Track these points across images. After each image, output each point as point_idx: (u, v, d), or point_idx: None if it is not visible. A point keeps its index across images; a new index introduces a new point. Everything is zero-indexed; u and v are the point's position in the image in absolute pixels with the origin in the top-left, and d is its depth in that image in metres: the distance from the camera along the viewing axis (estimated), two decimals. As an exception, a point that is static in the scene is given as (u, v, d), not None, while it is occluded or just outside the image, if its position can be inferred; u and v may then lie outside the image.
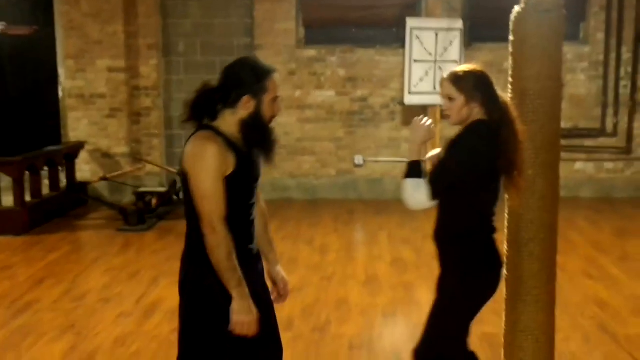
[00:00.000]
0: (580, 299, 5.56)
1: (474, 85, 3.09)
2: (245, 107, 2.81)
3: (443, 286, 3.17)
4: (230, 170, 2.79)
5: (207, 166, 2.72)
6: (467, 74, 3.13)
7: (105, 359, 4.55)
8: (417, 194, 3.02)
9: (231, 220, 2.80)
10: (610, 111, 9.70)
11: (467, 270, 3.10)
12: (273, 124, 2.93)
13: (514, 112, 3.13)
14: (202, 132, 2.80)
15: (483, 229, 3.12)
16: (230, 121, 2.84)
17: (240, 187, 2.89)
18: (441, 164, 3.07)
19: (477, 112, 3.10)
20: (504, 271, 3.33)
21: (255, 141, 2.87)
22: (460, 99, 3.10)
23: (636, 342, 4.71)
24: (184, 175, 2.81)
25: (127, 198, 9.35)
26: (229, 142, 2.79)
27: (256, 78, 2.82)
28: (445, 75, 3.19)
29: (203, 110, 2.86)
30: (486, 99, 3.09)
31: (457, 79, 3.12)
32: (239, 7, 9.82)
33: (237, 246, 2.81)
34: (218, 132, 2.80)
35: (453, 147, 3.08)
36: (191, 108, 2.86)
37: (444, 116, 9.58)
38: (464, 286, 3.10)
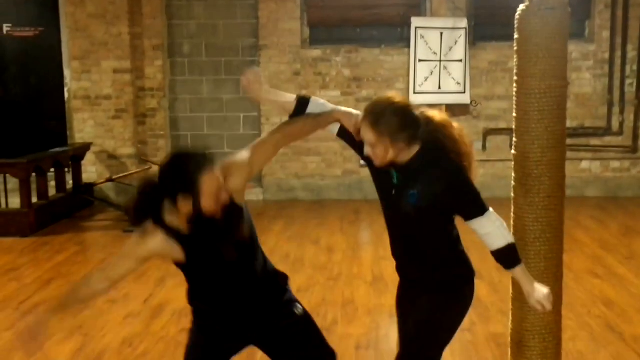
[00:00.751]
0: (587, 298, 5.55)
1: (398, 127, 2.88)
2: (183, 207, 2.75)
3: (429, 306, 3.07)
4: (180, 260, 2.91)
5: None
6: (387, 112, 2.89)
7: (112, 359, 4.56)
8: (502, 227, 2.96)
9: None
10: (616, 110, 9.68)
11: (453, 288, 3.09)
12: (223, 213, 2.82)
13: (437, 121, 3.03)
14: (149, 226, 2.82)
15: (458, 246, 3.11)
16: (174, 213, 2.80)
17: (202, 274, 3.00)
18: (466, 192, 2.97)
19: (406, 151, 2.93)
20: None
21: (205, 238, 2.85)
22: (383, 144, 2.88)
23: (643, 341, 4.70)
24: None
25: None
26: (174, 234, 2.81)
27: (186, 179, 2.71)
28: (364, 117, 2.92)
29: (146, 213, 2.84)
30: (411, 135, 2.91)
31: (377, 121, 2.87)
32: (243, 8, 9.84)
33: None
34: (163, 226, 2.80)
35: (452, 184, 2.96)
36: (134, 212, 2.86)
37: (448, 115, 9.61)
38: (451, 305, 3.08)
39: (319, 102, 3.22)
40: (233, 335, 3.09)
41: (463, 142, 3.04)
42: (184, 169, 2.73)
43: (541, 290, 3.01)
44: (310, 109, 3.18)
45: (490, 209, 2.96)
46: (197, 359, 3.09)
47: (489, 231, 2.94)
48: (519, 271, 3.02)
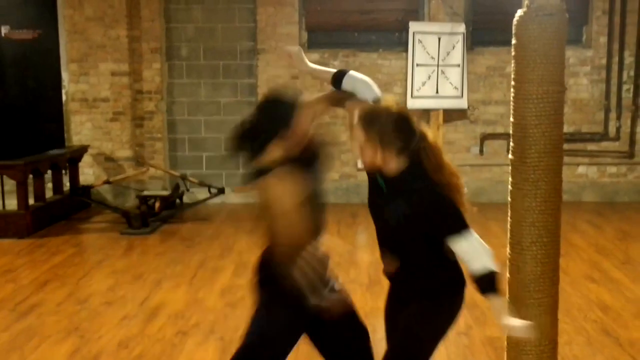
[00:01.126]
0: (583, 303, 5.56)
1: (390, 132, 2.92)
2: (275, 151, 2.92)
3: (415, 314, 3.08)
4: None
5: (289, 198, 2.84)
6: (383, 116, 2.95)
7: (108, 361, 4.57)
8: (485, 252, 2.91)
9: None
10: (613, 115, 9.70)
11: (440, 296, 3.08)
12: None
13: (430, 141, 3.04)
14: (281, 169, 2.87)
15: (447, 254, 3.05)
16: (274, 152, 2.93)
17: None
18: (444, 212, 2.94)
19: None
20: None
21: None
22: (372, 146, 2.93)
23: (638, 346, 4.71)
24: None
25: (131, 201, 9.37)
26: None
27: (276, 121, 2.95)
28: (360, 117, 2.98)
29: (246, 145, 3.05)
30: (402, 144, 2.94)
31: (371, 122, 2.93)
32: (241, 12, 9.85)
33: None
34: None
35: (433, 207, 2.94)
36: (237, 144, 3.08)
37: (446, 120, 9.65)
38: (438, 314, 3.08)
39: (355, 77, 3.31)
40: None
41: (450, 171, 3.04)
42: (280, 105, 2.99)
43: (512, 325, 2.92)
44: (345, 83, 3.29)
45: (471, 231, 2.91)
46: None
47: (465, 251, 2.90)
48: (492, 300, 2.90)
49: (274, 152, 2.91)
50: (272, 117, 2.98)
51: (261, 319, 3.11)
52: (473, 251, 2.88)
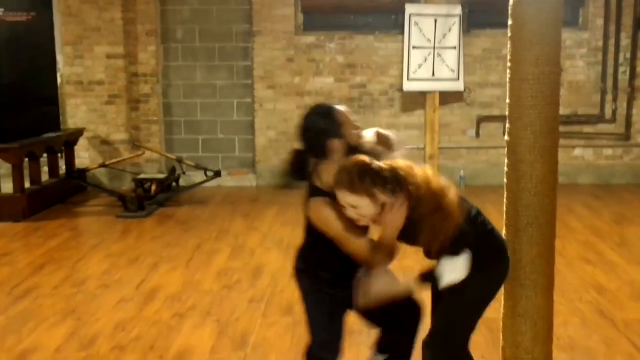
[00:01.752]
0: (579, 284, 5.58)
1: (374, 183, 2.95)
2: (335, 151, 3.12)
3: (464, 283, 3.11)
4: None
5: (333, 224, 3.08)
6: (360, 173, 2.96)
7: (105, 343, 4.57)
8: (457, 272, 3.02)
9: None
10: (609, 97, 9.70)
11: (487, 264, 3.14)
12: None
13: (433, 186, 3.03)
14: (317, 199, 3.12)
15: (477, 222, 3.14)
16: (330, 170, 3.08)
17: None
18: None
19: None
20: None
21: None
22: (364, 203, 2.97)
23: (634, 327, 4.73)
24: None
25: (126, 185, 9.37)
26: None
27: (330, 120, 3.13)
28: (338, 186, 3.00)
29: (300, 173, 3.25)
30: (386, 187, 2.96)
31: (351, 184, 2.95)
32: (237, -7, 9.81)
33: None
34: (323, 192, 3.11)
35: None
36: (291, 172, 3.28)
37: (442, 102, 9.63)
38: (488, 280, 3.16)
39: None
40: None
41: (440, 193, 3.02)
42: (323, 115, 3.16)
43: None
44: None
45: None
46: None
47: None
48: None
49: (333, 158, 3.12)
50: (322, 112, 3.20)
51: (306, 306, 3.45)
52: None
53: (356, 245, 3.09)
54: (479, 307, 3.20)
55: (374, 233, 3.18)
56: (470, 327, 3.22)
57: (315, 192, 3.16)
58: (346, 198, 2.94)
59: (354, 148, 3.16)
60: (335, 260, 3.25)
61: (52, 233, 7.38)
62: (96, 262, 6.40)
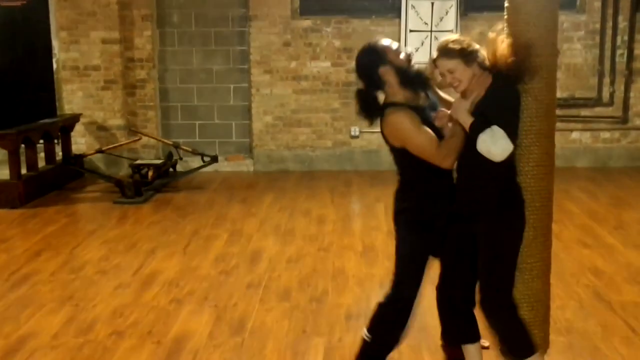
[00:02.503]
0: (576, 267, 5.59)
1: (466, 53, 3.32)
2: (388, 76, 3.50)
3: (495, 235, 3.37)
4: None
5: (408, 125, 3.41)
6: (455, 44, 3.35)
7: (103, 329, 4.58)
8: (501, 140, 3.18)
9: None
10: (606, 80, 9.67)
11: (513, 213, 3.38)
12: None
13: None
14: (390, 110, 3.47)
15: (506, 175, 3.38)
16: (392, 93, 3.51)
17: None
18: (500, 112, 3.25)
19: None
20: None
21: (418, 83, 3.53)
22: (459, 68, 3.32)
23: (631, 310, 4.74)
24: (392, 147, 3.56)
25: (123, 170, 9.35)
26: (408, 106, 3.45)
27: (374, 53, 3.54)
28: (436, 53, 3.39)
29: (372, 109, 3.59)
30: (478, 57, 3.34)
31: (448, 52, 3.33)
32: (233, -22, 9.75)
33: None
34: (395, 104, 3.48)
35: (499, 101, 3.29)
36: (364, 113, 3.61)
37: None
38: (514, 229, 3.39)
39: None
40: None
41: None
42: (367, 51, 3.60)
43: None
44: None
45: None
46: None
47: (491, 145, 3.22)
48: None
49: (389, 85, 3.51)
50: (368, 48, 3.61)
51: (401, 249, 3.63)
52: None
53: (430, 141, 3.36)
54: (514, 258, 3.43)
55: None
56: (513, 277, 3.46)
57: (387, 105, 3.51)
58: (445, 64, 3.32)
59: (406, 71, 3.49)
60: (431, 185, 3.52)
61: (49, 219, 7.37)
62: (93, 248, 6.39)
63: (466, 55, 3.30)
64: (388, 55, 3.50)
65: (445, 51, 3.33)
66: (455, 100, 3.36)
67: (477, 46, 3.36)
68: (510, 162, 3.32)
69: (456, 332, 3.65)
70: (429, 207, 3.53)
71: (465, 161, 3.37)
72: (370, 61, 3.53)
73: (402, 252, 3.61)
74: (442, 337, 3.75)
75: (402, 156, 3.52)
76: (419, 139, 3.39)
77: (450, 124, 3.39)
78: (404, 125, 3.41)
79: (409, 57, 3.53)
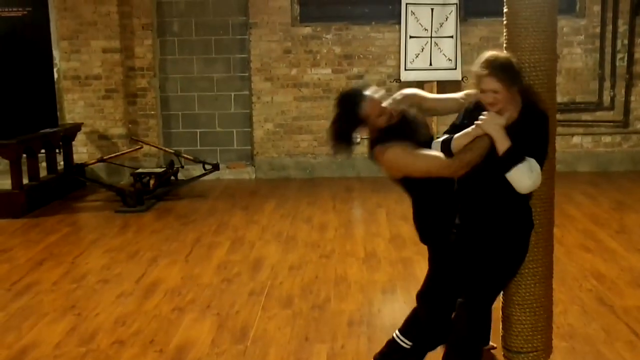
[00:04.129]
0: (578, 272, 5.58)
1: (514, 75, 3.27)
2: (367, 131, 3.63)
3: (493, 253, 3.40)
4: None
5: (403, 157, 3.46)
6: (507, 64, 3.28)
7: (105, 338, 4.57)
8: (536, 175, 3.20)
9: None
10: (607, 84, 9.67)
11: (516, 235, 3.41)
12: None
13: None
14: (377, 151, 3.55)
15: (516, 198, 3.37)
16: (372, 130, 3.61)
17: None
18: (537, 145, 3.27)
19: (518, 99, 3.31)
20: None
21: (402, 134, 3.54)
22: (504, 91, 3.24)
23: (633, 314, 4.73)
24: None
25: (125, 179, 9.36)
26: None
27: (351, 121, 3.60)
28: (485, 70, 3.27)
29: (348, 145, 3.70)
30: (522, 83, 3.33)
31: (500, 73, 3.24)
32: (232, -15, 9.77)
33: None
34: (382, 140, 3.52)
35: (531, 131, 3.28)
36: (336, 142, 3.72)
37: (439, 91, 9.58)
38: (514, 251, 3.43)
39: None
40: None
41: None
42: (347, 109, 3.59)
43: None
44: None
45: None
46: None
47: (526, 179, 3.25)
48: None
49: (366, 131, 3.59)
50: (345, 110, 3.59)
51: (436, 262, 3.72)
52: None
53: (432, 160, 3.37)
54: (506, 276, 3.49)
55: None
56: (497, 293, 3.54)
57: (373, 142, 3.57)
58: (492, 84, 3.22)
59: (388, 129, 3.53)
60: (446, 200, 3.57)
61: (51, 229, 7.38)
62: (96, 257, 6.39)
63: (513, 77, 3.24)
64: (369, 120, 3.56)
65: (496, 70, 3.23)
66: (488, 114, 3.26)
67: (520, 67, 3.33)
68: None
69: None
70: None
71: (478, 177, 3.36)
72: (347, 128, 3.62)
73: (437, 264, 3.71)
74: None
75: (408, 183, 3.63)
76: (419, 164, 3.42)
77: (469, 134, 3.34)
78: (399, 159, 3.45)
79: (390, 116, 3.56)
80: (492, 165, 3.23)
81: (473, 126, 3.27)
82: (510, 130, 3.22)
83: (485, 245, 3.40)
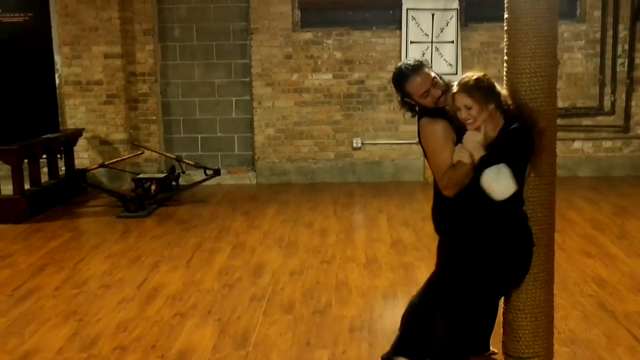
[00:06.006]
0: (579, 277, 5.58)
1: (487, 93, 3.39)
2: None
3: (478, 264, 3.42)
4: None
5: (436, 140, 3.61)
6: (478, 82, 3.41)
7: (107, 344, 4.57)
8: (506, 179, 3.24)
9: None
10: (607, 89, 9.67)
11: (506, 252, 3.44)
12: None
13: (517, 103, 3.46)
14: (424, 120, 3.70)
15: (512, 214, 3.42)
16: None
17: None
18: (511, 154, 3.32)
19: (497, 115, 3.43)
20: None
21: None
22: (476, 107, 3.38)
23: (634, 319, 4.73)
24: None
25: (126, 185, 9.37)
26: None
27: (398, 86, 3.81)
28: (457, 88, 3.44)
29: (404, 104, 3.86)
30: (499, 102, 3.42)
31: (470, 89, 3.38)
32: (234, -9, 9.79)
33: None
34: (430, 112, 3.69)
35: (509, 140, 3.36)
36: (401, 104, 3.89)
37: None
38: (505, 266, 3.45)
39: None
40: None
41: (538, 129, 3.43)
42: (396, 79, 3.82)
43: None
44: None
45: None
46: None
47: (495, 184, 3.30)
48: None
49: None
50: (395, 83, 3.84)
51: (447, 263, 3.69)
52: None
53: (446, 159, 3.47)
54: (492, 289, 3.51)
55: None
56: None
57: (422, 113, 3.72)
58: (463, 100, 3.37)
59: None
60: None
61: (53, 234, 7.38)
62: (97, 262, 6.39)
63: (486, 94, 3.36)
64: (413, 97, 3.74)
65: (465, 87, 3.39)
66: (468, 132, 3.40)
67: (498, 87, 3.44)
68: (513, 206, 3.38)
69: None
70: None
71: (470, 192, 3.40)
72: (402, 96, 3.84)
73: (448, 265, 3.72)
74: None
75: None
76: (440, 160, 3.52)
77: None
78: (434, 139, 3.59)
79: (436, 100, 3.66)
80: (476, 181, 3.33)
81: (459, 145, 3.42)
82: (490, 148, 3.33)
83: (471, 257, 3.42)
